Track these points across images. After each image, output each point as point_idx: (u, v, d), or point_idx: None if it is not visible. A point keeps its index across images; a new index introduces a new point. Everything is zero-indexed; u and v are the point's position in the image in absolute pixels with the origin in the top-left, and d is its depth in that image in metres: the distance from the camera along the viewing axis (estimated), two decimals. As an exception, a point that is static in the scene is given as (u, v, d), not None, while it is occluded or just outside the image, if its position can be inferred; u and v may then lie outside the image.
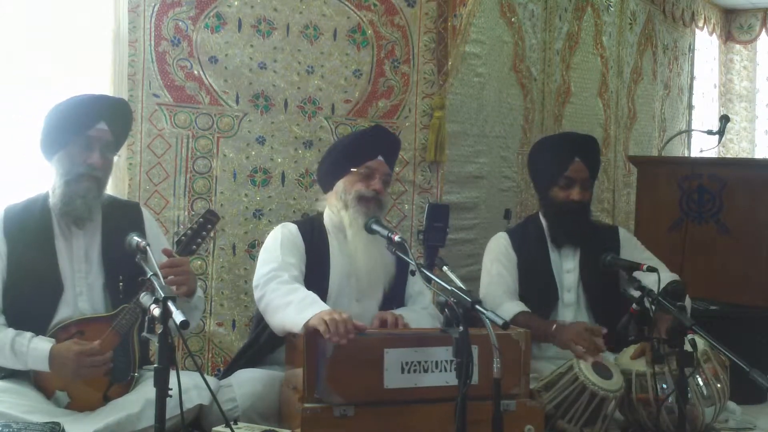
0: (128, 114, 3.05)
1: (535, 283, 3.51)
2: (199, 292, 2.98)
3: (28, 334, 2.72)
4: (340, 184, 3.13)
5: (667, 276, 3.32)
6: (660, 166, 5.07)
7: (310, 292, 2.90)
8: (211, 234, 2.90)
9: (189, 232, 2.85)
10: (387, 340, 2.75)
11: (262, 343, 3.15)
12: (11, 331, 2.72)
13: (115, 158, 2.99)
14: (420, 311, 3.18)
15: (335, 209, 3.14)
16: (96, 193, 2.85)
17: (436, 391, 2.72)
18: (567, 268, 3.55)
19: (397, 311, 3.11)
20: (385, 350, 2.70)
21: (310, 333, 2.68)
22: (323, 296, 2.97)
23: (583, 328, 3.16)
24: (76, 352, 2.66)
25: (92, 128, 2.83)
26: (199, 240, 2.84)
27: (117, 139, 2.95)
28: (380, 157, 3.13)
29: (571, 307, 3.51)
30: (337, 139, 3.82)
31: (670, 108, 7.22)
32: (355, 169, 3.10)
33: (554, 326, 3.25)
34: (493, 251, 3.58)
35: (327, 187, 3.21)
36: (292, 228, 3.15)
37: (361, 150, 3.14)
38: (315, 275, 3.06)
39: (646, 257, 3.53)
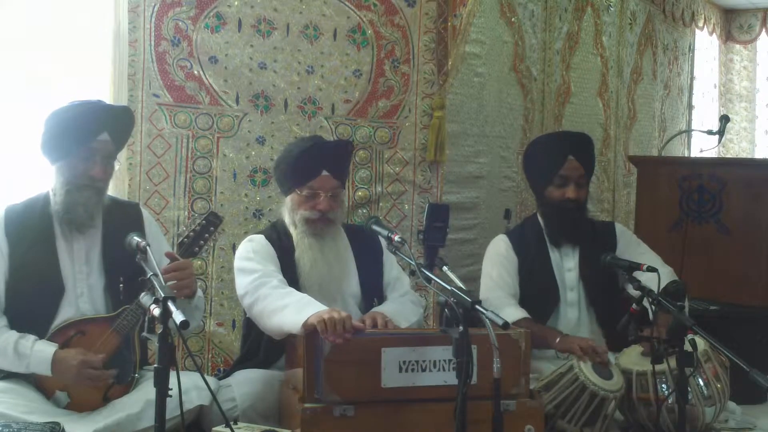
0: (130, 121, 3.05)
1: (537, 284, 3.50)
2: (199, 292, 2.98)
3: (32, 337, 2.72)
4: (288, 201, 3.15)
5: (665, 272, 3.33)
6: (660, 166, 5.07)
7: (305, 294, 2.92)
8: (214, 236, 2.91)
9: (191, 234, 2.85)
10: (384, 339, 2.74)
11: (262, 358, 3.15)
12: (14, 333, 2.72)
13: (116, 165, 2.99)
14: (400, 300, 3.20)
15: (287, 222, 3.16)
16: (97, 200, 2.86)
17: (434, 391, 2.72)
18: (568, 266, 3.55)
19: (382, 307, 3.12)
20: (383, 350, 2.69)
21: (310, 333, 2.69)
22: None
23: (587, 342, 3.17)
24: (80, 361, 2.67)
25: (94, 140, 2.82)
26: (202, 242, 2.84)
27: (118, 147, 2.96)
28: (325, 172, 3.08)
29: (573, 306, 3.51)
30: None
31: (670, 108, 7.21)
32: (299, 191, 3.09)
33: (558, 339, 3.25)
34: (494, 254, 3.58)
35: (283, 193, 3.22)
36: (259, 239, 3.16)
37: (301, 170, 3.09)
38: (288, 281, 3.06)
39: (642, 251, 3.54)
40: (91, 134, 2.81)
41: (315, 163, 3.09)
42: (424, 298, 3.66)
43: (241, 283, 3.04)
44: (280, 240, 3.14)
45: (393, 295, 3.23)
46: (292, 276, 3.08)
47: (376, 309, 3.10)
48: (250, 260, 3.06)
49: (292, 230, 3.14)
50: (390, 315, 3.02)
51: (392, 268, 3.27)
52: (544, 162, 3.55)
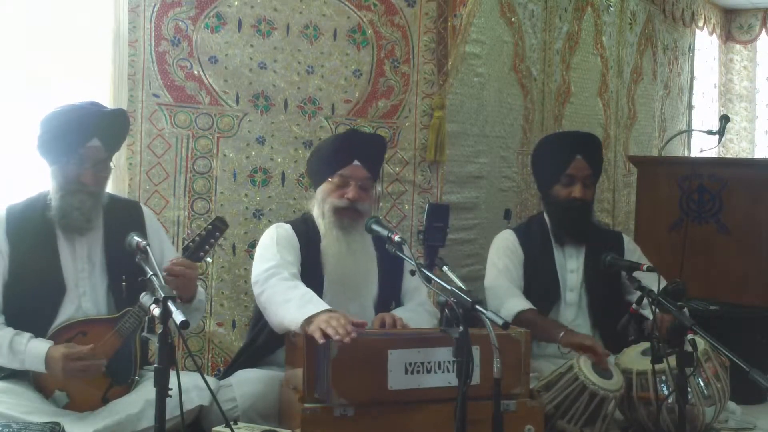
0: (124, 124, 3.01)
1: (538, 281, 3.52)
2: (201, 295, 2.98)
3: (27, 335, 2.72)
4: (319, 192, 3.16)
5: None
6: (660, 166, 5.07)
7: (310, 290, 2.90)
8: (219, 242, 2.90)
9: (197, 239, 2.85)
10: (390, 341, 2.74)
11: (260, 344, 3.15)
12: (10, 330, 2.72)
13: (112, 164, 2.97)
14: (417, 308, 3.19)
15: (316, 215, 3.17)
16: (93, 203, 2.85)
17: (438, 392, 2.72)
18: (571, 267, 3.56)
19: (395, 312, 3.11)
20: (389, 351, 2.69)
21: (310, 334, 2.68)
22: (318, 295, 2.96)
23: (590, 339, 3.18)
24: (63, 354, 2.65)
25: (83, 146, 2.80)
26: (207, 247, 2.85)
27: (110, 152, 2.92)
28: (356, 162, 3.10)
29: (572, 307, 3.52)
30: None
31: (670, 108, 7.22)
32: (330, 179, 3.11)
33: (562, 333, 3.25)
34: (500, 246, 3.59)
35: (315, 187, 3.24)
36: (287, 227, 3.16)
37: (334, 158, 3.12)
38: (309, 274, 3.06)
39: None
40: (81, 140, 2.80)
41: (347, 152, 3.11)
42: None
43: (256, 270, 3.05)
44: (307, 232, 3.14)
45: (409, 304, 3.22)
46: (315, 268, 3.09)
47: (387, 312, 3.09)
48: (271, 247, 3.06)
49: (320, 222, 3.13)
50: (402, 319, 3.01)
51: (412, 278, 3.25)
52: (552, 160, 3.58)
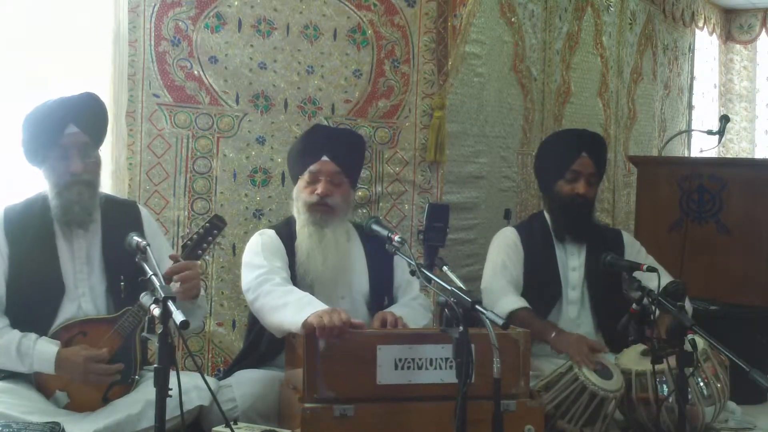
0: (97, 107, 2.96)
1: (540, 279, 3.51)
2: (201, 292, 2.98)
3: (34, 336, 2.72)
4: (294, 191, 3.19)
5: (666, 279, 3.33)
6: (660, 166, 5.08)
7: (307, 293, 2.92)
8: (217, 239, 2.91)
9: (195, 236, 2.85)
10: (380, 336, 2.75)
11: (264, 351, 3.15)
12: (17, 333, 2.72)
13: (99, 153, 2.95)
14: (410, 303, 3.19)
15: (295, 214, 3.19)
16: (90, 194, 2.85)
17: (431, 389, 2.72)
18: (572, 265, 3.56)
19: (393, 308, 3.11)
20: (378, 347, 2.70)
21: (310, 333, 2.69)
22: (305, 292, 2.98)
23: (582, 341, 3.17)
24: (85, 357, 2.66)
25: (62, 135, 2.79)
26: (205, 245, 2.85)
27: (93, 137, 2.90)
28: (325, 157, 3.11)
29: (575, 304, 3.51)
30: None
31: (670, 108, 7.21)
32: (301, 176, 3.13)
33: (553, 333, 3.26)
34: (501, 243, 3.59)
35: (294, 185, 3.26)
36: (270, 234, 3.17)
37: (303, 155, 3.15)
38: (293, 273, 3.07)
39: (649, 262, 3.53)
40: (57, 131, 2.79)
41: (315, 148, 3.13)
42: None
43: (246, 278, 3.05)
44: (290, 234, 3.15)
45: (404, 298, 3.22)
46: (294, 267, 3.09)
47: (387, 310, 3.09)
48: (258, 255, 3.07)
49: (297, 220, 3.15)
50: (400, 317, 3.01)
51: (404, 271, 3.24)
52: (558, 156, 3.58)
